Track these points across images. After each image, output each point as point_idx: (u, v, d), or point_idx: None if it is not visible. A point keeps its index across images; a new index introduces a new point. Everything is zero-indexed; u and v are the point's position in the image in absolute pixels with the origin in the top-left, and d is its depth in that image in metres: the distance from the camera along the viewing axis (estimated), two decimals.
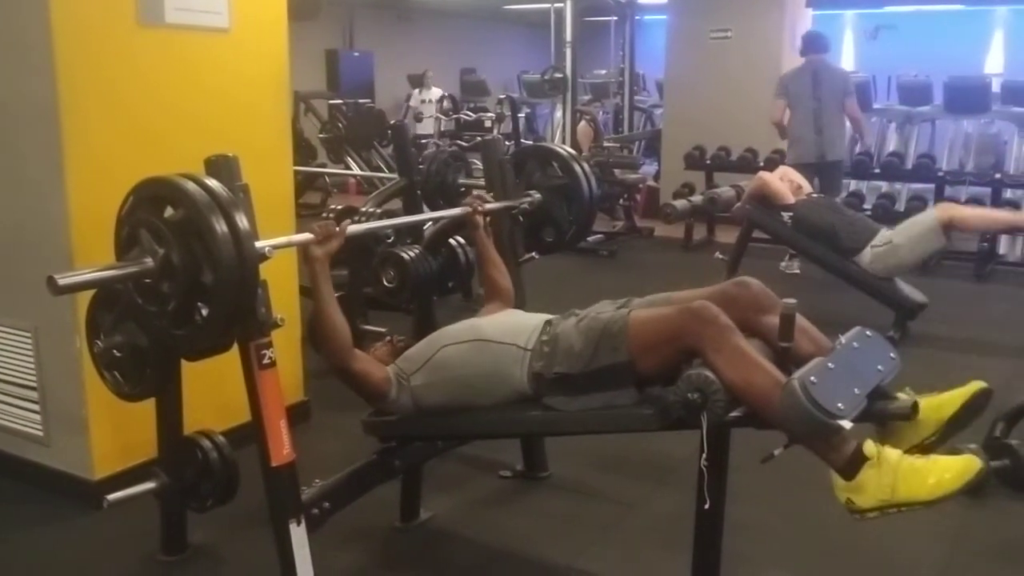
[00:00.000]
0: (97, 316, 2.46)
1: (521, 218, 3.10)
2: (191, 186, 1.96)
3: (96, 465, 2.92)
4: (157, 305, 2.00)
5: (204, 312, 1.98)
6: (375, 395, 2.39)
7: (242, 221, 1.94)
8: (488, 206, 2.89)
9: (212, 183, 1.99)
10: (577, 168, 3.12)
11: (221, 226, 1.91)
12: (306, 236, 2.30)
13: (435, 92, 11.76)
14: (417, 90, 12.11)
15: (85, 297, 2.52)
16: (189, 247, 1.94)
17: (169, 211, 2.02)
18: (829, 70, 6.51)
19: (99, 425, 2.90)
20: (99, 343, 2.46)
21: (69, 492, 2.95)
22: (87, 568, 2.66)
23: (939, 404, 1.99)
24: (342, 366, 2.34)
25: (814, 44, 6.53)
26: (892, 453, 1.81)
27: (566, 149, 3.26)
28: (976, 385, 1.99)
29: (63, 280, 1.87)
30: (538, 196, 3.10)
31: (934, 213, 4.85)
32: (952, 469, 1.79)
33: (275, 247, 2.14)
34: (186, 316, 2.00)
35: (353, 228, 2.46)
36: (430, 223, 3.46)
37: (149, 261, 1.95)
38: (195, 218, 1.93)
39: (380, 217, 3.93)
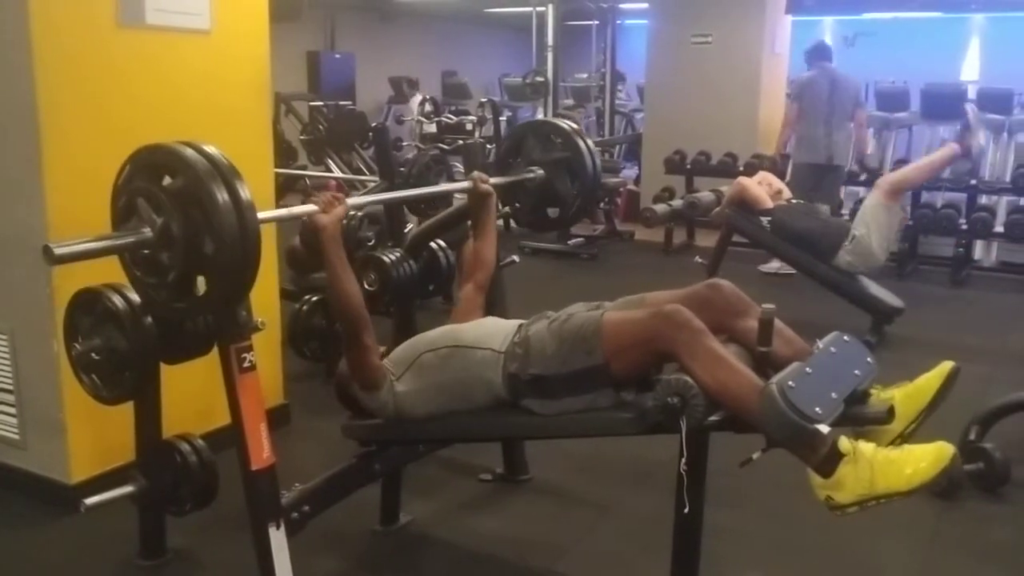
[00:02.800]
0: (75, 319, 2.45)
1: (523, 196, 3.04)
2: (190, 153, 1.89)
3: (73, 469, 2.90)
4: (156, 276, 1.94)
5: (204, 284, 1.92)
6: (370, 380, 2.36)
7: (243, 190, 1.88)
8: (492, 180, 2.86)
9: (212, 150, 1.92)
10: (579, 141, 3.05)
11: (222, 194, 1.84)
12: (309, 206, 2.28)
13: (415, 100, 11.62)
14: (414, 95, 12.03)
15: (63, 299, 2.51)
16: (189, 216, 1.86)
17: (168, 180, 1.94)
18: (845, 79, 6.71)
19: (76, 428, 2.87)
20: (77, 346, 2.44)
21: (46, 496, 2.93)
22: (64, 573, 2.64)
23: (914, 393, 2.00)
24: (355, 334, 2.31)
25: (824, 53, 6.78)
26: (866, 447, 1.82)
27: (567, 123, 3.18)
28: (946, 367, 2.01)
29: (60, 249, 1.80)
30: (541, 172, 3.04)
31: (874, 192, 4.98)
32: (927, 458, 1.81)
33: (278, 218, 2.10)
34: (186, 288, 1.93)
35: (354, 200, 2.41)
36: (412, 227, 3.46)
37: (147, 231, 1.88)
38: (195, 186, 1.86)
39: (362, 220, 3.92)
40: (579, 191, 3.05)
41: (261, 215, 1.98)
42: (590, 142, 3.10)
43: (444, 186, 2.80)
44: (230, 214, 1.85)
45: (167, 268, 1.91)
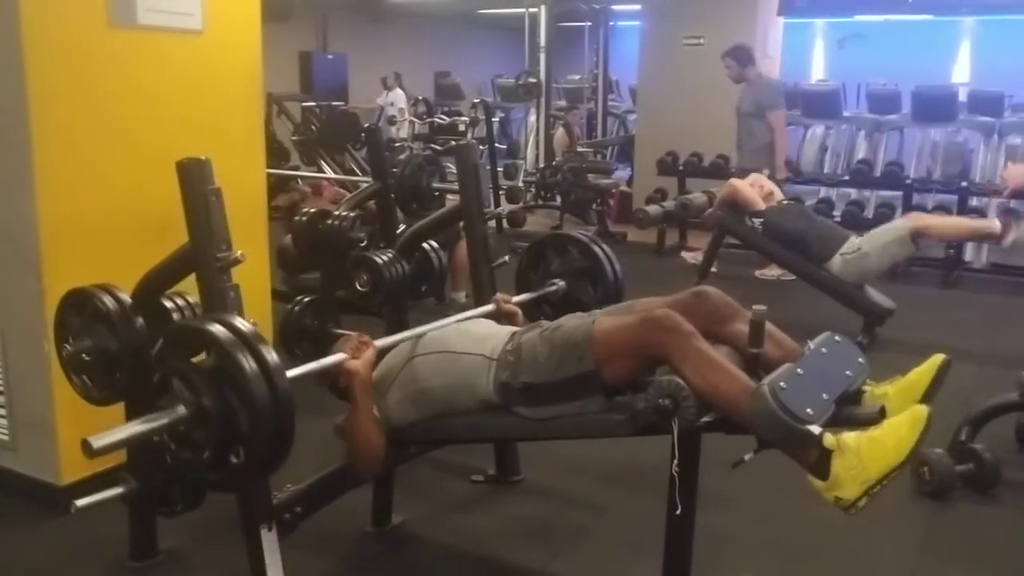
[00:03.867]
0: (66, 319, 2.44)
1: (548, 309, 3.02)
2: (217, 329, 1.90)
3: (64, 470, 2.88)
4: (192, 453, 1.94)
5: (240, 455, 1.91)
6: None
7: (270, 355, 1.88)
8: (515, 299, 2.85)
9: (237, 322, 1.93)
10: (596, 249, 3.03)
11: (250, 364, 1.85)
12: (339, 355, 2.27)
13: (397, 95, 11.53)
14: (385, 92, 12.02)
15: (53, 300, 2.49)
16: (221, 392, 1.87)
17: (199, 357, 1.95)
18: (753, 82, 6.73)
19: (67, 429, 2.86)
20: (68, 347, 2.43)
21: (36, 497, 2.92)
22: (54, 574, 2.63)
23: (907, 387, 2.00)
24: (372, 468, 2.38)
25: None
26: (848, 437, 1.82)
27: (583, 234, 3.17)
28: (937, 359, 2.00)
29: (99, 443, 1.80)
30: (562, 284, 3.02)
31: (904, 222, 4.92)
32: (904, 424, 1.81)
33: (305, 374, 2.13)
34: (222, 461, 1.93)
35: (381, 342, 2.40)
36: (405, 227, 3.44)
37: (182, 409, 1.88)
38: (224, 362, 1.87)
39: (355, 219, 3.91)
40: (602, 298, 3.01)
41: (290, 373, 1.99)
42: (607, 247, 3.08)
43: (468, 312, 2.77)
44: (260, 383, 1.85)
45: (203, 445, 1.91)
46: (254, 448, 1.88)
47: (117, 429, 1.88)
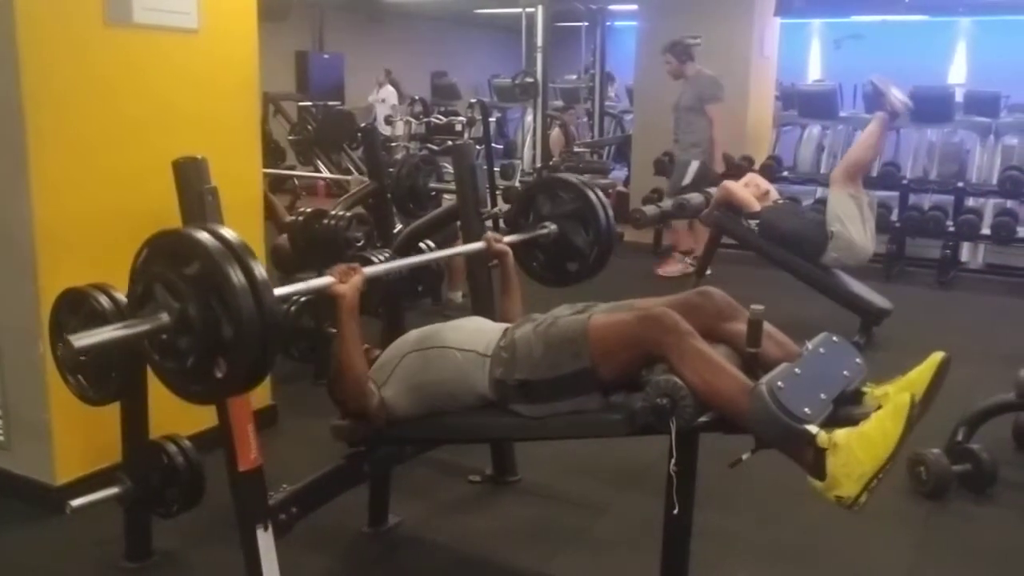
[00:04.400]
0: (61, 319, 2.43)
1: (540, 254, 3.03)
2: (204, 237, 1.88)
3: (59, 470, 2.88)
4: (175, 361, 1.92)
5: (223, 367, 1.89)
6: (361, 414, 2.38)
7: (259, 269, 1.87)
8: (507, 239, 2.85)
9: (226, 232, 1.91)
10: (588, 191, 3.03)
11: (238, 276, 1.83)
12: (326, 279, 2.28)
13: (388, 92, 11.40)
14: (376, 89, 11.96)
15: (49, 299, 2.49)
16: (206, 301, 1.85)
17: (184, 264, 1.91)
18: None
19: (62, 429, 2.85)
20: (63, 346, 2.42)
21: (31, 497, 2.91)
22: (49, 575, 2.62)
23: (908, 386, 1.99)
24: (352, 400, 2.35)
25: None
26: (839, 434, 1.82)
27: (575, 177, 3.17)
28: (937, 357, 1.99)
29: (80, 342, 1.78)
30: (553, 227, 3.02)
31: (831, 187, 4.99)
32: (887, 416, 1.81)
33: (295, 294, 2.10)
34: (205, 372, 1.91)
35: (370, 269, 2.40)
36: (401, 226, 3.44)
37: (165, 316, 1.86)
38: (210, 270, 1.84)
39: (351, 220, 3.90)
40: (595, 240, 3.02)
41: (278, 291, 1.97)
42: (599, 192, 3.07)
43: (457, 248, 2.76)
44: (247, 296, 1.82)
45: (186, 353, 1.89)
46: (238, 359, 1.86)
47: (98, 331, 1.87)
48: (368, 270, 2.39)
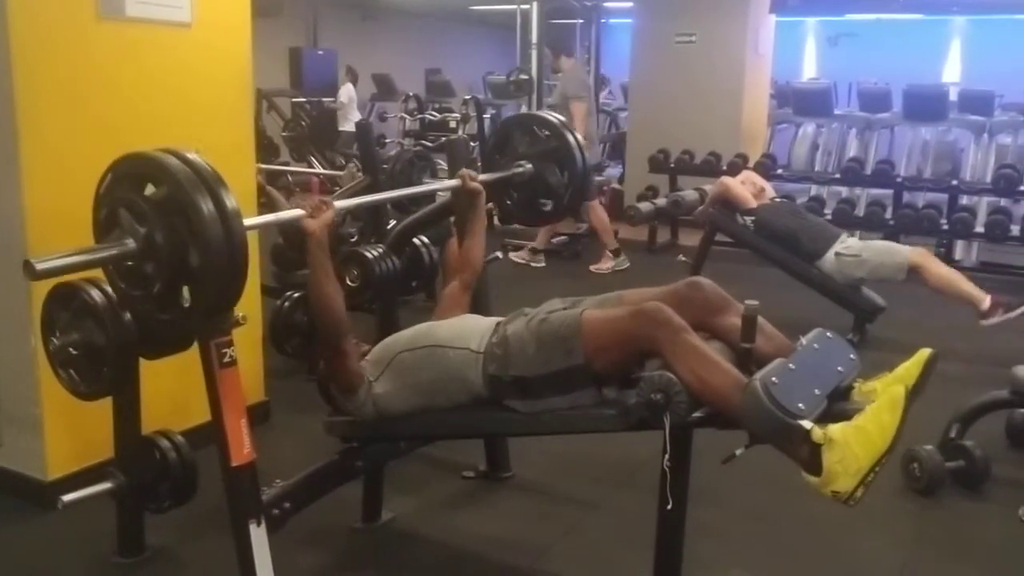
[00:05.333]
0: (53, 313, 2.42)
1: (515, 193, 3.02)
2: (173, 161, 1.84)
3: (50, 465, 2.86)
4: (141, 288, 1.89)
5: (189, 295, 1.87)
6: (347, 385, 2.36)
7: (228, 198, 1.84)
8: (481, 177, 2.84)
9: (194, 158, 1.87)
10: (566, 132, 3.02)
11: (207, 203, 1.79)
12: (296, 211, 2.26)
13: (346, 89, 11.10)
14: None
15: (40, 294, 2.47)
16: (173, 226, 1.81)
17: (150, 189, 1.90)
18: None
19: (54, 424, 2.84)
20: (55, 341, 2.41)
21: (22, 493, 2.90)
22: (41, 570, 2.61)
23: (896, 382, 1.98)
24: (334, 342, 2.31)
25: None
26: (834, 429, 1.81)
27: (552, 115, 3.16)
28: (924, 353, 1.99)
29: (41, 265, 1.76)
30: (529, 166, 3.01)
31: (909, 253, 4.82)
32: (883, 409, 1.81)
33: (264, 224, 2.07)
34: (172, 299, 1.89)
35: (341, 203, 2.39)
36: (394, 223, 3.43)
37: (131, 242, 1.84)
38: (178, 195, 1.80)
39: (345, 216, 3.90)
40: (570, 181, 3.02)
41: (247, 222, 1.94)
42: (577, 134, 3.07)
43: (432, 184, 2.76)
44: (215, 223, 1.80)
45: (152, 280, 1.87)
46: (205, 287, 1.83)
47: (62, 254, 1.84)
48: (339, 203, 2.37)
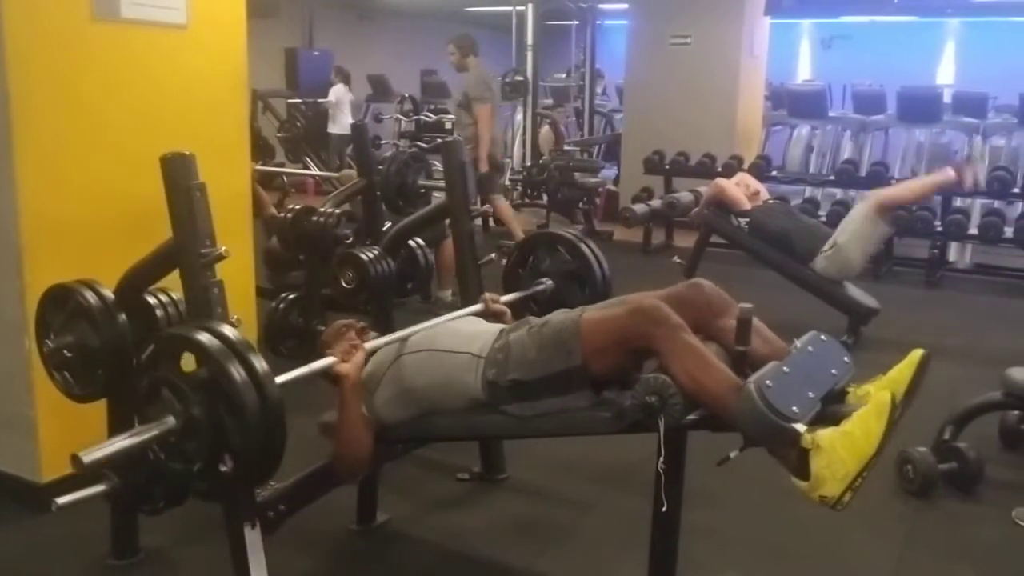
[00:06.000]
0: (47, 315, 2.41)
1: (536, 308, 2.99)
2: (207, 338, 1.90)
3: (44, 467, 2.85)
4: (182, 463, 1.93)
5: (230, 465, 1.91)
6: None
7: (260, 363, 1.89)
8: (503, 299, 2.83)
9: (226, 331, 1.93)
10: (585, 249, 3.02)
11: (240, 373, 1.85)
12: (329, 359, 2.25)
13: (338, 91, 10.96)
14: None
15: (35, 296, 2.47)
16: (212, 403, 1.87)
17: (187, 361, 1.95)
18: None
19: (48, 426, 2.83)
20: (49, 343, 2.41)
21: (16, 495, 2.89)
22: (35, 573, 2.60)
23: (889, 385, 1.99)
24: (353, 473, 2.38)
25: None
26: (823, 434, 1.81)
27: (572, 233, 3.16)
28: (917, 354, 1.99)
29: (88, 457, 1.80)
30: (550, 283, 3.01)
31: (864, 203, 4.95)
32: (870, 415, 1.81)
33: (296, 379, 2.11)
34: (211, 472, 1.92)
35: (371, 344, 2.38)
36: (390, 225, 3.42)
37: (171, 420, 1.88)
38: (213, 369, 1.86)
39: (339, 217, 3.89)
40: (590, 299, 3.00)
41: (280, 379, 1.98)
42: (595, 247, 3.07)
43: (457, 312, 2.76)
44: (251, 392, 1.85)
45: (192, 456, 1.91)
46: (245, 459, 1.88)
47: (107, 443, 1.88)
48: (369, 345, 2.36)
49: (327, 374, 2.35)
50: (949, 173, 4.99)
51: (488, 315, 2.71)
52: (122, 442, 1.89)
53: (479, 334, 2.33)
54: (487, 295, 2.77)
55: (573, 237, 3.11)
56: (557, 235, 3.19)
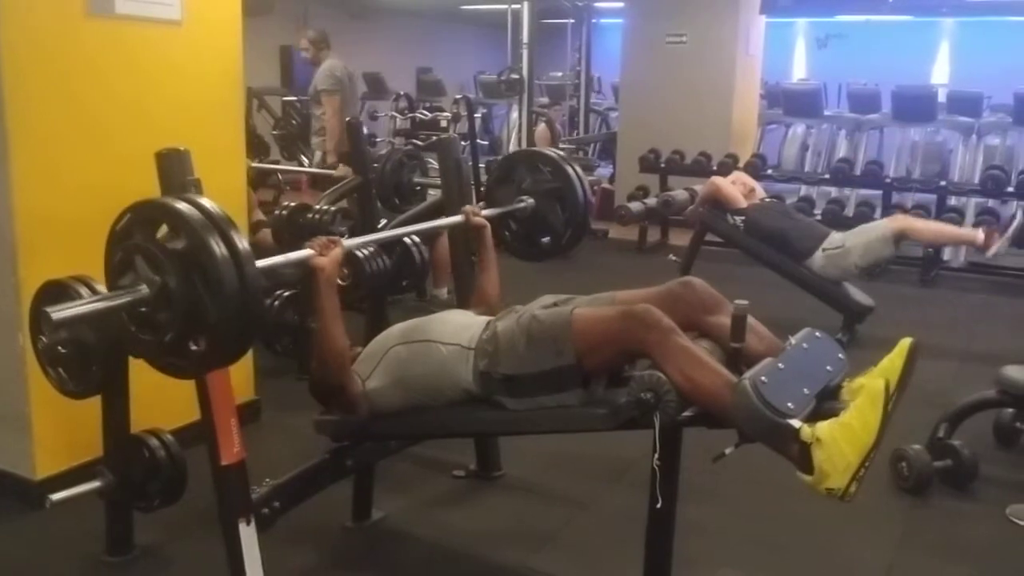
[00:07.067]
0: (41, 311, 2.41)
1: (515, 225, 3.03)
2: (186, 207, 1.84)
3: (39, 464, 2.85)
4: (153, 334, 1.88)
5: (203, 342, 1.85)
6: (348, 407, 2.37)
7: (241, 242, 1.83)
8: (484, 212, 2.85)
9: (207, 204, 1.87)
10: (568, 170, 3.02)
11: (220, 250, 1.79)
12: (305, 251, 2.26)
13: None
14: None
15: (29, 292, 2.46)
16: (187, 275, 1.81)
17: (163, 232, 1.89)
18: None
19: (42, 423, 2.83)
20: (43, 339, 2.40)
21: (10, 492, 2.88)
22: (29, 570, 2.60)
23: (881, 375, 1.98)
24: (336, 378, 2.32)
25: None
26: (822, 427, 1.82)
27: (556, 152, 3.17)
28: (905, 343, 1.98)
29: (58, 314, 1.76)
30: (531, 202, 3.02)
31: (888, 222, 4.94)
32: (866, 405, 1.81)
33: (275, 266, 2.10)
34: (184, 345, 1.87)
35: (350, 242, 2.39)
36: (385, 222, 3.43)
37: (144, 289, 1.83)
38: (192, 242, 1.80)
39: (335, 215, 3.89)
40: (569, 220, 3.03)
41: (259, 263, 1.94)
42: (580, 170, 3.07)
43: (438, 221, 2.77)
44: (229, 269, 1.79)
45: (164, 328, 1.86)
46: (218, 335, 1.83)
47: (77, 303, 1.86)
48: (347, 243, 2.38)
49: (315, 388, 2.37)
50: (979, 236, 4.89)
51: (470, 228, 2.75)
52: (93, 304, 1.86)
53: (469, 325, 2.34)
54: (468, 207, 2.81)
55: (557, 156, 3.11)
56: (540, 153, 3.21)
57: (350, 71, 6.75)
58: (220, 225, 1.82)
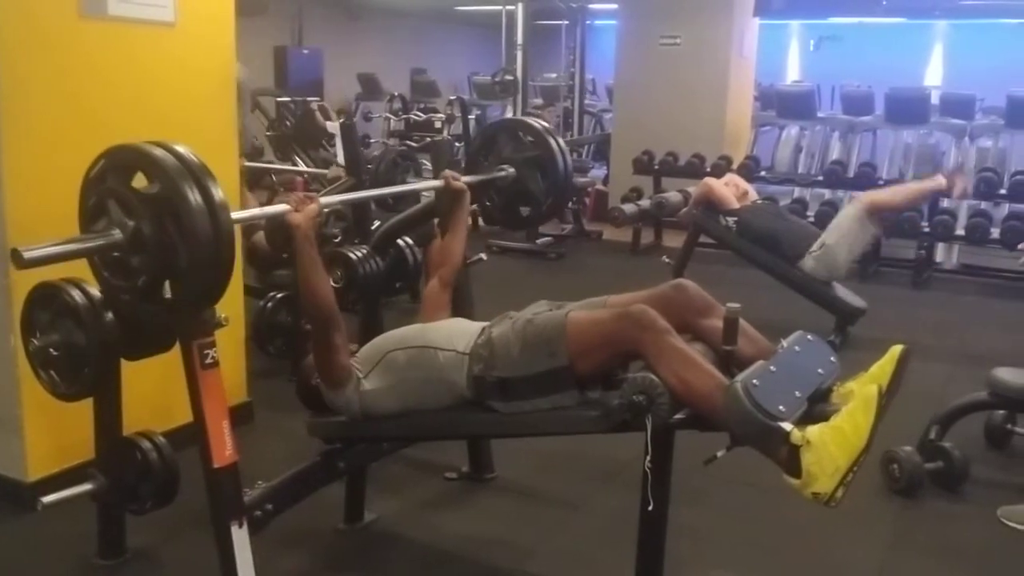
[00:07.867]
0: (33, 313, 2.40)
1: (496, 196, 3.03)
2: (161, 153, 1.83)
3: (30, 466, 2.85)
4: (125, 279, 1.88)
5: (175, 288, 1.86)
6: (336, 379, 2.35)
7: (216, 191, 1.82)
8: (464, 179, 2.85)
9: (183, 150, 1.86)
10: (550, 140, 3.03)
11: (195, 196, 1.78)
12: (282, 206, 2.27)
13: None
14: None
15: (21, 294, 2.46)
16: (161, 220, 1.80)
17: (140, 181, 1.89)
18: None
19: (34, 425, 2.82)
20: (35, 341, 2.40)
21: (2, 494, 2.87)
22: (21, 572, 2.59)
23: (871, 381, 1.99)
24: (325, 335, 2.31)
25: None
26: (812, 430, 1.82)
27: (538, 121, 3.17)
28: (896, 350, 1.99)
29: (29, 253, 1.76)
30: (512, 170, 3.01)
31: (854, 205, 4.99)
32: (858, 409, 1.82)
33: (251, 219, 2.07)
34: (156, 291, 1.88)
35: (325, 199, 2.40)
36: (379, 223, 3.43)
37: (118, 233, 1.83)
38: (167, 188, 1.79)
39: (329, 216, 3.89)
40: (550, 190, 3.04)
41: (235, 215, 1.93)
42: (561, 141, 3.08)
43: (417, 184, 2.77)
44: (203, 216, 1.79)
45: (137, 272, 1.86)
46: (190, 281, 1.83)
47: (50, 243, 1.84)
48: (324, 199, 2.38)
49: (302, 388, 2.36)
50: (940, 180, 5.02)
51: (448, 192, 2.76)
52: (65, 246, 1.85)
53: (464, 331, 2.34)
54: (448, 172, 2.81)
55: (538, 126, 3.11)
56: (522, 122, 3.21)
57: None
58: (195, 171, 1.82)
